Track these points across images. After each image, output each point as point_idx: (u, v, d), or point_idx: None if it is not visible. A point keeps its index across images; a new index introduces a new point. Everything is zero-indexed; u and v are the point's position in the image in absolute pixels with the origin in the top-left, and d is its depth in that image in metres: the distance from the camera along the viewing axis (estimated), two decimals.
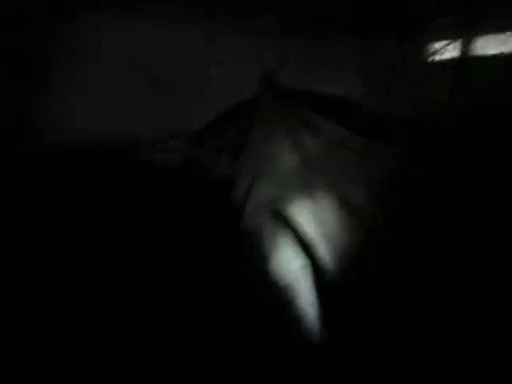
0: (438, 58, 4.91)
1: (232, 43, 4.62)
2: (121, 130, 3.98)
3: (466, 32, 4.86)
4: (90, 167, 3.67)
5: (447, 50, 4.93)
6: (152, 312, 2.65)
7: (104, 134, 3.91)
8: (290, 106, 4.12)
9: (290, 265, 3.08)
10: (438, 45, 5.13)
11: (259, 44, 4.64)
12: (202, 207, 3.23)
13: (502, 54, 4.64)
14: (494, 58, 4.67)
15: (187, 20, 4.52)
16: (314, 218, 3.26)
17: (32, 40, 4.12)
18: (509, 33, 4.59)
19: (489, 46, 4.82)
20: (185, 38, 4.46)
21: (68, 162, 3.66)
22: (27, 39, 4.13)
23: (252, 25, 4.73)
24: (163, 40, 4.40)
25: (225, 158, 3.57)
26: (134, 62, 4.28)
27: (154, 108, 4.24)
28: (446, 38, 5.01)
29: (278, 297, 2.91)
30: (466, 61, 4.78)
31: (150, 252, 2.91)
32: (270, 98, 4.06)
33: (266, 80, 4.17)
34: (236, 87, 4.32)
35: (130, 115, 4.12)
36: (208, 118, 4.03)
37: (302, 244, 3.13)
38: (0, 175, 3.30)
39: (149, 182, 3.40)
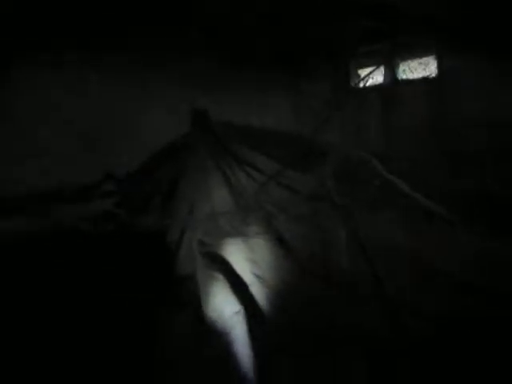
0: (364, 84, 5.05)
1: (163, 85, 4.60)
2: (51, 177, 3.82)
3: (390, 58, 5.04)
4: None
5: (373, 76, 5.10)
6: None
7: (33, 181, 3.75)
8: (222, 141, 4.11)
9: (224, 309, 3.00)
10: (363, 71, 5.32)
11: (191, 82, 4.64)
12: (135, 255, 3.11)
13: (424, 77, 4.84)
14: (417, 81, 4.87)
15: (119, 67, 4.48)
16: (248, 258, 3.21)
17: None
18: (429, 58, 4.81)
19: (412, 70, 5.03)
20: (118, 84, 4.42)
21: None
22: None
23: (183, 64, 4.72)
24: (95, 88, 4.32)
25: (157, 201, 3.48)
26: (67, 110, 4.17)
27: (86, 154, 4.12)
28: (371, 65, 5.20)
29: (213, 341, 2.82)
30: (391, 85, 4.97)
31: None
32: (201, 135, 4.03)
33: (197, 117, 4.14)
34: (169, 127, 4.27)
35: (63, 161, 3.99)
36: (142, 160, 3.95)
37: (236, 287, 3.06)
38: None
39: (80, 232, 3.26)
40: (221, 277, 3.14)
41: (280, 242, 3.26)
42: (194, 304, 3.08)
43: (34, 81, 4.12)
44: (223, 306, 3.01)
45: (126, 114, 4.55)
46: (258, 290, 3.02)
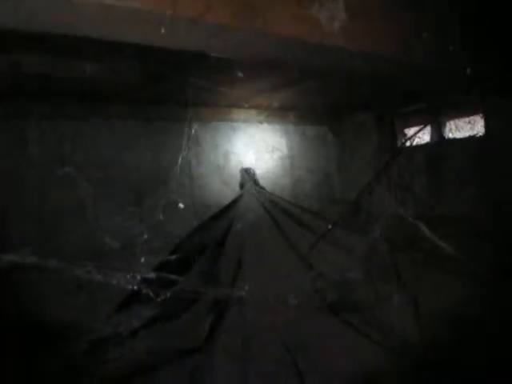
0: (411, 143, 5.09)
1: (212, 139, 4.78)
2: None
3: (437, 117, 5.10)
4: None
5: (420, 135, 5.15)
6: None
7: None
8: (273, 198, 4.26)
9: None
10: (410, 130, 5.40)
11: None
12: None
13: (471, 136, 4.84)
14: (465, 140, 4.86)
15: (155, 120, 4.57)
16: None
17: None
18: (476, 116, 4.83)
19: (459, 129, 5.05)
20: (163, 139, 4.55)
21: None
22: None
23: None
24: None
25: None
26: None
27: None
28: (417, 124, 5.27)
29: None
30: (438, 144, 4.99)
31: None
32: (253, 192, 4.18)
33: (247, 176, 4.32)
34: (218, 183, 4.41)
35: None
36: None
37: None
38: None
39: None
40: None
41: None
42: None
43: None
44: None
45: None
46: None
